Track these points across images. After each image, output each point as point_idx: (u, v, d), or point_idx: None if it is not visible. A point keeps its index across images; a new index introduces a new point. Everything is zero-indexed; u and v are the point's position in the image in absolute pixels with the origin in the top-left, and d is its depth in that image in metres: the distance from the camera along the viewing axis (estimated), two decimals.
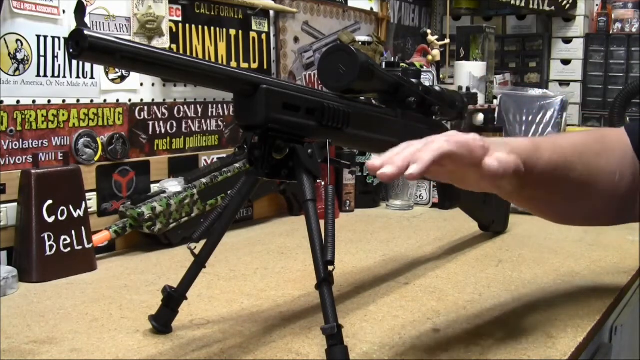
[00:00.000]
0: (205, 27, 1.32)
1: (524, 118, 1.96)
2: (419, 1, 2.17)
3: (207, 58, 1.32)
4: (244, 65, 1.41)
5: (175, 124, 1.28)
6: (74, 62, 1.09)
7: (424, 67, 1.74)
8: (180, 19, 1.26)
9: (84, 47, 0.55)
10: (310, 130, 0.73)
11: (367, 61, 0.79)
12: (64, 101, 1.08)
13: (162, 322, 0.77)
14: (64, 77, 1.08)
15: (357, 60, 0.78)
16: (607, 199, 0.84)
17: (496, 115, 1.92)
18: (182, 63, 0.63)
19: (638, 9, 2.16)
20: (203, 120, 1.34)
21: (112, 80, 1.16)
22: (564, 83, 2.26)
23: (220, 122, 1.38)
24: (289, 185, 1.41)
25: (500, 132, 1.82)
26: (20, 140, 1.02)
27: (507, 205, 1.30)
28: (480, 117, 1.82)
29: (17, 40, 1.01)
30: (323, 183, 1.36)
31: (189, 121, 1.31)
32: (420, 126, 0.93)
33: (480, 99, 1.87)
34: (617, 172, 0.83)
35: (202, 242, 0.77)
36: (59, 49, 1.06)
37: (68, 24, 1.07)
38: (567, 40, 2.23)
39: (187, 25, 1.28)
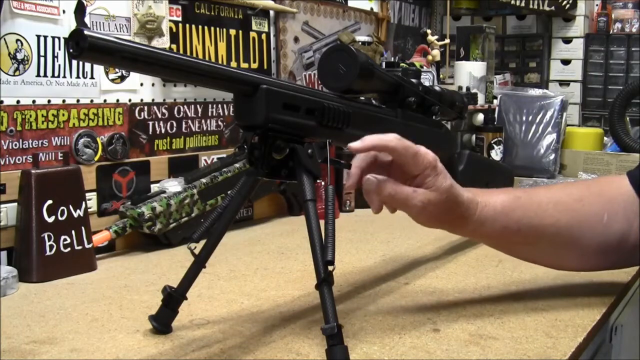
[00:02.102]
0: (205, 27, 1.32)
1: (524, 118, 1.96)
2: (419, 1, 2.17)
3: (207, 58, 1.32)
4: (244, 65, 1.41)
5: (175, 124, 1.28)
6: (74, 62, 1.09)
7: (424, 67, 1.74)
8: (180, 19, 1.26)
9: (84, 47, 0.55)
10: (311, 130, 0.73)
11: (367, 61, 0.79)
12: (64, 101, 1.08)
13: (162, 322, 0.77)
14: (64, 77, 1.08)
15: (357, 60, 0.78)
16: (597, 244, 0.85)
17: (496, 115, 1.92)
18: (182, 63, 0.63)
19: (638, 9, 2.17)
20: (203, 120, 1.34)
21: (112, 80, 1.16)
22: (564, 83, 2.26)
23: (220, 122, 1.38)
24: (289, 185, 1.41)
25: (500, 132, 1.82)
26: (20, 140, 1.02)
27: None
28: (480, 117, 1.82)
29: (17, 40, 1.01)
30: (323, 183, 1.36)
31: (189, 121, 1.31)
32: (420, 126, 0.93)
33: (480, 99, 1.87)
34: (605, 214, 0.84)
35: (202, 242, 0.77)
36: (59, 49, 1.06)
37: (68, 24, 1.07)
38: (567, 40, 2.23)
39: (187, 25, 1.28)
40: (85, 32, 0.54)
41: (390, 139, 0.73)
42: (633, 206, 0.85)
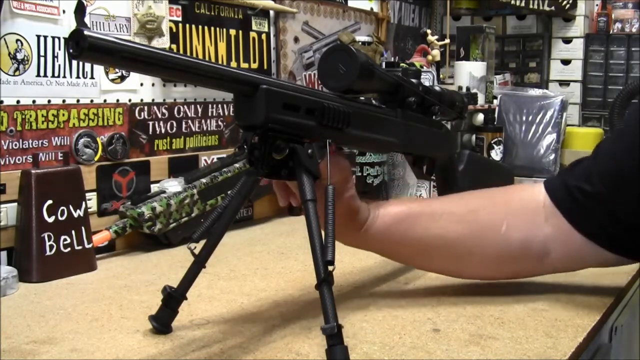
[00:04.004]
0: (205, 27, 1.32)
1: (524, 118, 1.96)
2: (419, 1, 2.17)
3: (207, 58, 1.32)
4: (244, 65, 1.41)
5: (175, 124, 1.28)
6: (74, 62, 1.09)
7: (424, 67, 1.74)
8: (180, 19, 1.26)
9: (83, 47, 0.54)
10: (311, 130, 0.73)
11: (367, 61, 0.79)
12: (64, 101, 1.08)
13: (162, 322, 0.77)
14: (64, 77, 1.08)
15: (357, 60, 0.78)
16: (496, 252, 0.86)
17: (496, 115, 1.92)
18: (181, 63, 0.63)
19: (638, 9, 2.16)
20: (203, 120, 1.34)
21: (112, 80, 1.16)
22: (564, 83, 2.26)
23: (220, 122, 1.38)
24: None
25: (500, 132, 1.82)
26: (20, 140, 1.02)
27: None
28: (480, 117, 1.82)
29: (17, 40, 1.01)
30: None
31: (189, 121, 1.31)
32: (420, 126, 0.93)
33: (480, 99, 1.87)
34: (504, 223, 0.85)
35: (202, 242, 0.77)
36: (59, 49, 1.06)
37: (68, 24, 1.07)
38: (567, 40, 2.23)
39: (187, 25, 1.28)
40: (85, 32, 0.54)
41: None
42: (541, 215, 0.85)
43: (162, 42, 1.21)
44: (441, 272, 0.93)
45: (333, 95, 0.77)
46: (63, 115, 1.08)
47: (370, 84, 0.82)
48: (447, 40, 1.92)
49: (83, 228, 1.03)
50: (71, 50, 0.55)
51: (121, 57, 0.58)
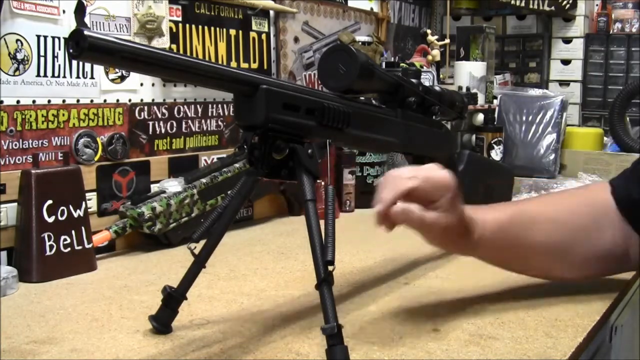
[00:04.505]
0: (205, 27, 1.32)
1: (524, 118, 1.96)
2: (419, 1, 2.17)
3: (207, 58, 1.32)
4: (244, 65, 1.41)
5: (175, 124, 1.28)
6: (74, 62, 1.09)
7: (424, 67, 1.74)
8: (180, 19, 1.26)
9: (83, 47, 0.54)
10: (311, 130, 0.73)
11: (367, 61, 0.79)
12: (64, 101, 1.08)
13: (162, 322, 0.77)
14: (64, 77, 1.08)
15: (357, 60, 0.78)
16: (585, 255, 0.87)
17: (496, 115, 1.92)
18: (181, 63, 0.63)
19: (638, 9, 2.16)
20: (203, 120, 1.34)
21: (112, 80, 1.16)
22: (564, 83, 2.26)
23: (220, 122, 1.38)
24: (289, 185, 1.41)
25: (500, 132, 1.82)
26: (20, 140, 1.02)
27: None
28: (480, 117, 1.82)
29: (17, 40, 1.01)
30: (323, 183, 1.36)
31: (189, 121, 1.31)
32: (420, 126, 0.93)
33: (480, 99, 1.87)
34: (593, 226, 0.87)
35: (202, 242, 0.77)
36: (59, 49, 1.06)
37: (68, 24, 1.07)
38: (567, 40, 2.23)
39: (187, 25, 1.28)
40: (85, 32, 0.54)
41: (406, 183, 0.73)
42: (618, 216, 0.87)
43: (162, 42, 1.21)
44: (534, 274, 0.93)
45: (333, 95, 0.77)
46: (63, 115, 1.08)
47: (370, 84, 0.82)
48: (447, 40, 1.92)
49: (83, 228, 1.03)
50: (71, 50, 0.55)
51: (121, 57, 0.58)
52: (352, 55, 0.78)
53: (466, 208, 0.80)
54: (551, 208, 0.90)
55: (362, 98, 0.85)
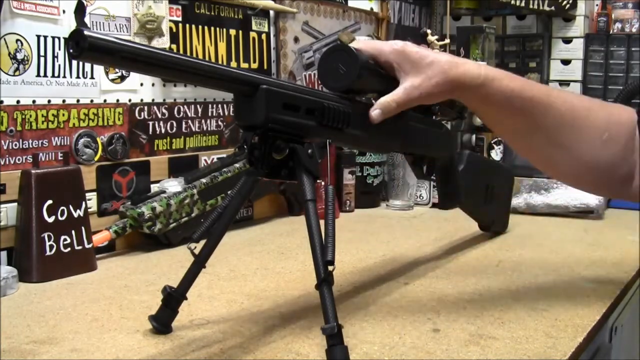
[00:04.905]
0: (205, 27, 1.32)
1: None
2: (419, 1, 2.17)
3: (207, 58, 1.32)
4: (244, 65, 1.41)
5: (175, 124, 1.28)
6: (74, 62, 1.09)
7: None
8: (180, 19, 1.26)
9: (84, 47, 0.55)
10: (310, 130, 0.73)
11: (367, 61, 0.79)
12: (64, 101, 1.08)
13: (162, 322, 0.77)
14: (64, 77, 1.08)
15: (357, 60, 0.78)
16: (591, 157, 0.84)
17: None
18: (182, 63, 0.63)
19: (638, 9, 2.16)
20: (203, 120, 1.34)
21: (112, 80, 1.16)
22: (564, 83, 2.26)
23: (220, 122, 1.38)
24: (289, 185, 1.41)
25: None
26: (20, 140, 1.02)
27: (508, 206, 1.30)
28: None
29: (17, 40, 1.01)
30: (323, 183, 1.36)
31: (189, 121, 1.31)
32: (420, 126, 0.93)
33: None
34: (606, 132, 0.84)
35: (202, 242, 0.77)
36: (59, 49, 1.06)
37: (68, 24, 1.07)
38: (567, 40, 2.23)
39: (187, 25, 1.28)
40: (85, 32, 0.54)
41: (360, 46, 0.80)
42: (635, 141, 0.84)
43: (162, 42, 1.21)
44: (536, 159, 0.92)
45: (333, 95, 0.77)
46: (63, 115, 1.08)
47: (371, 83, 0.82)
48: (447, 40, 1.92)
49: (83, 228, 1.03)
50: (71, 50, 0.55)
51: (121, 57, 0.58)
52: (352, 55, 0.78)
53: (473, 62, 0.81)
54: (572, 97, 0.87)
55: (363, 98, 0.85)
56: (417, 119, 0.92)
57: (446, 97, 0.84)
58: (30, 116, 1.03)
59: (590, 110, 0.85)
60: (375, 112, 0.80)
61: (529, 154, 0.91)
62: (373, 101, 0.89)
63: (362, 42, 0.82)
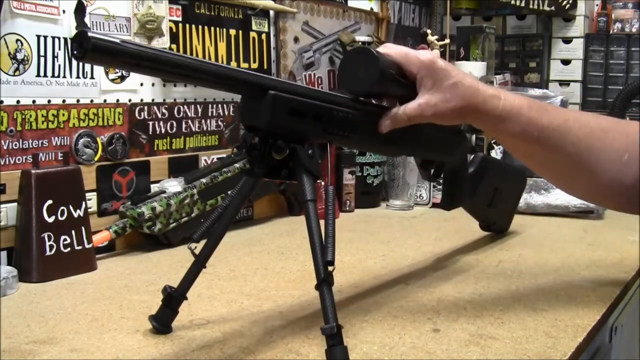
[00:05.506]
0: (205, 27, 1.32)
1: None
2: (419, 1, 2.17)
3: (207, 58, 1.32)
4: (244, 65, 1.41)
5: (175, 124, 1.28)
6: (74, 62, 1.09)
7: None
8: (180, 19, 1.26)
9: (87, 48, 0.55)
10: (314, 135, 0.73)
11: (388, 67, 0.78)
12: (64, 101, 1.08)
13: (162, 322, 0.77)
14: (64, 77, 1.08)
15: (377, 64, 0.77)
16: (614, 178, 0.84)
17: None
18: (187, 65, 0.63)
19: (638, 9, 2.16)
20: (203, 120, 1.34)
21: (112, 80, 1.16)
22: (564, 83, 2.26)
23: (220, 122, 1.38)
24: (289, 185, 1.41)
25: None
26: (20, 140, 1.02)
27: (513, 208, 1.29)
28: None
29: (17, 40, 1.01)
30: (323, 183, 1.36)
31: (189, 121, 1.31)
32: (435, 133, 0.92)
33: None
34: (626, 153, 0.83)
35: (202, 242, 0.77)
36: (59, 49, 1.06)
37: (68, 24, 1.07)
38: (567, 40, 2.23)
39: (187, 25, 1.28)
40: (89, 34, 0.54)
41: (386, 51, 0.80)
42: None
43: (162, 42, 1.21)
44: (556, 180, 0.91)
45: (345, 99, 0.77)
46: (63, 115, 1.08)
47: (389, 89, 0.81)
48: (447, 40, 1.92)
49: (83, 228, 1.03)
50: (75, 52, 0.55)
51: (125, 59, 0.58)
52: (373, 59, 0.77)
53: (488, 87, 0.81)
54: (589, 119, 0.86)
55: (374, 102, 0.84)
56: (432, 126, 0.90)
57: (458, 122, 0.83)
58: (30, 116, 1.03)
59: (607, 132, 0.85)
60: (385, 123, 0.79)
61: (550, 178, 0.92)
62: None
63: (391, 47, 0.81)
